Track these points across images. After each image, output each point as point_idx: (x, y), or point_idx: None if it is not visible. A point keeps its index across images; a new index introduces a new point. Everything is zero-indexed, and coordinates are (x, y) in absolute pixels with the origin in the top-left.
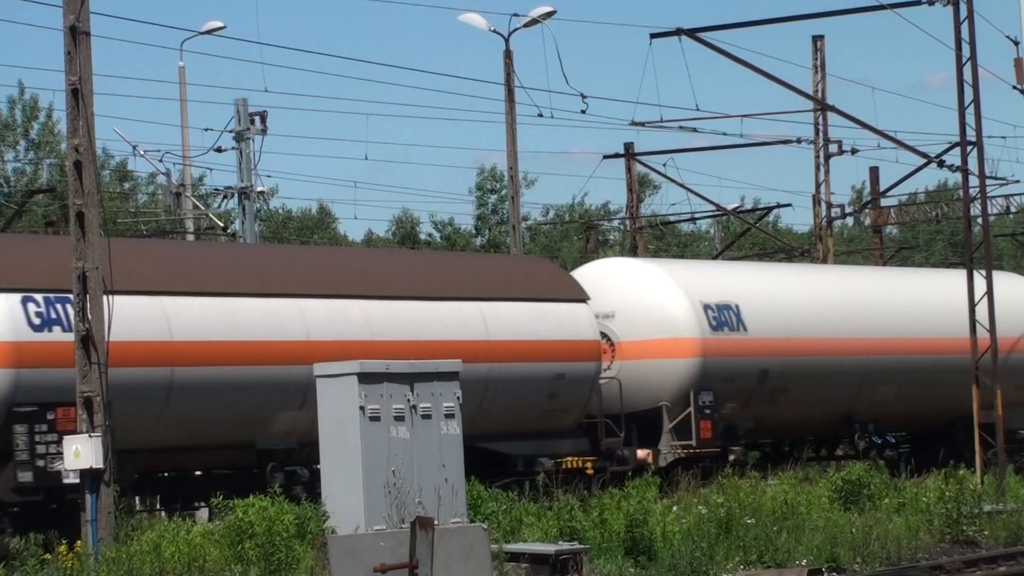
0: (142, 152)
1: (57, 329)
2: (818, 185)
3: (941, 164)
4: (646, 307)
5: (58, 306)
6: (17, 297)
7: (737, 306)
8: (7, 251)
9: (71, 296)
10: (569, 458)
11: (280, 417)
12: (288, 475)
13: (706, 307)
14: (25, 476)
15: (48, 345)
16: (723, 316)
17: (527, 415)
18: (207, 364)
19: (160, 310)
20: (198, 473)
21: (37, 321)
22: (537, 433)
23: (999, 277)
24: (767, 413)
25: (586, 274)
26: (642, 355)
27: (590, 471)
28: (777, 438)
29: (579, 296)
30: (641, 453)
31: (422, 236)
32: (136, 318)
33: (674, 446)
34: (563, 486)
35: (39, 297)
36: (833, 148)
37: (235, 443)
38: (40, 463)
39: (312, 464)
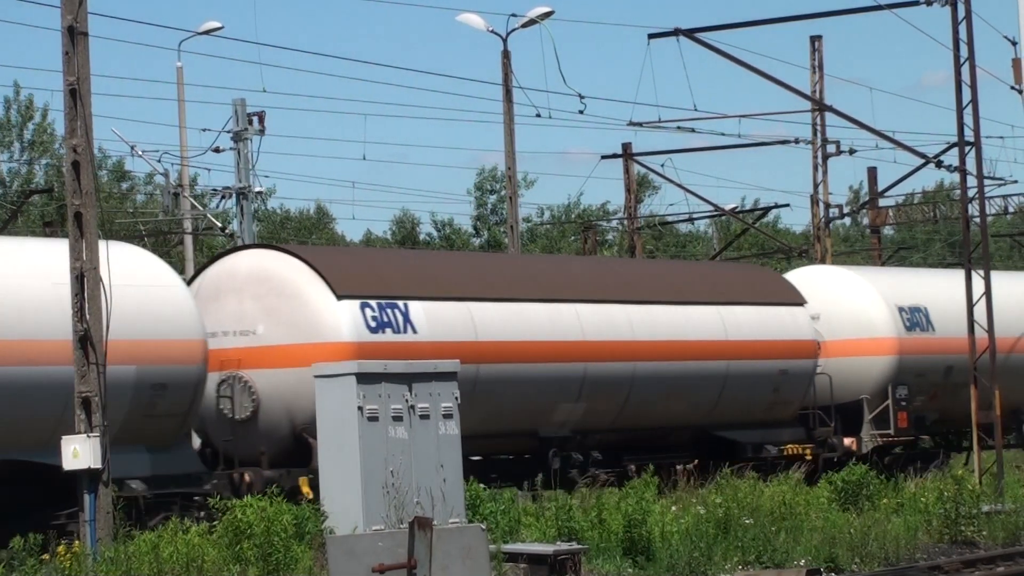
0: (140, 152)
1: (388, 331)
2: (816, 185)
3: (939, 164)
4: (849, 310)
5: (388, 311)
6: (357, 303)
7: (926, 308)
8: (348, 264)
9: (397, 302)
10: (790, 445)
11: (560, 408)
12: (564, 459)
13: (900, 310)
14: None
15: (380, 345)
16: (915, 317)
17: (755, 407)
18: (504, 361)
19: (468, 314)
20: (475, 458)
21: (373, 324)
22: (763, 423)
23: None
24: (951, 406)
25: (792, 280)
26: (845, 353)
27: (808, 456)
28: (955, 429)
29: (797, 300)
30: (847, 441)
31: (421, 236)
32: (449, 322)
33: (874, 435)
34: (784, 470)
35: (374, 303)
36: (831, 148)
37: (521, 431)
38: None
39: (586, 450)
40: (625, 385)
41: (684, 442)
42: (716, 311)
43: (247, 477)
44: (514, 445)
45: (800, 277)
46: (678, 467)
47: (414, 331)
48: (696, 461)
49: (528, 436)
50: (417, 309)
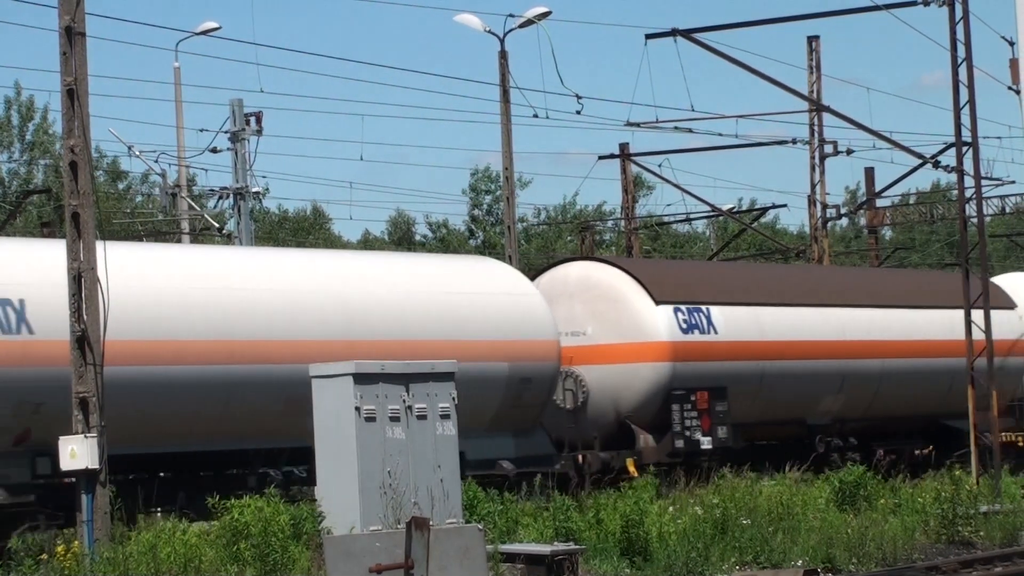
0: (137, 152)
1: (696, 332)
2: (813, 186)
3: (936, 165)
4: None
5: (695, 315)
6: (671, 308)
7: None
8: (661, 274)
9: (701, 307)
10: (1004, 433)
11: (824, 399)
12: (827, 445)
13: None
14: (679, 443)
15: (690, 344)
16: None
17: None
18: (784, 358)
19: (755, 317)
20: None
21: (684, 326)
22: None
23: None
24: None
25: (1000, 284)
26: None
27: (1021, 444)
28: None
29: (1008, 304)
30: None
31: (416, 237)
32: (742, 324)
33: None
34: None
35: (684, 308)
36: (828, 149)
37: (792, 420)
38: (687, 433)
39: (844, 436)
40: (875, 379)
41: (918, 430)
42: (947, 315)
43: (587, 458)
44: (785, 432)
45: (1004, 282)
46: (916, 452)
47: (715, 332)
48: (931, 448)
49: (797, 424)
50: (717, 313)
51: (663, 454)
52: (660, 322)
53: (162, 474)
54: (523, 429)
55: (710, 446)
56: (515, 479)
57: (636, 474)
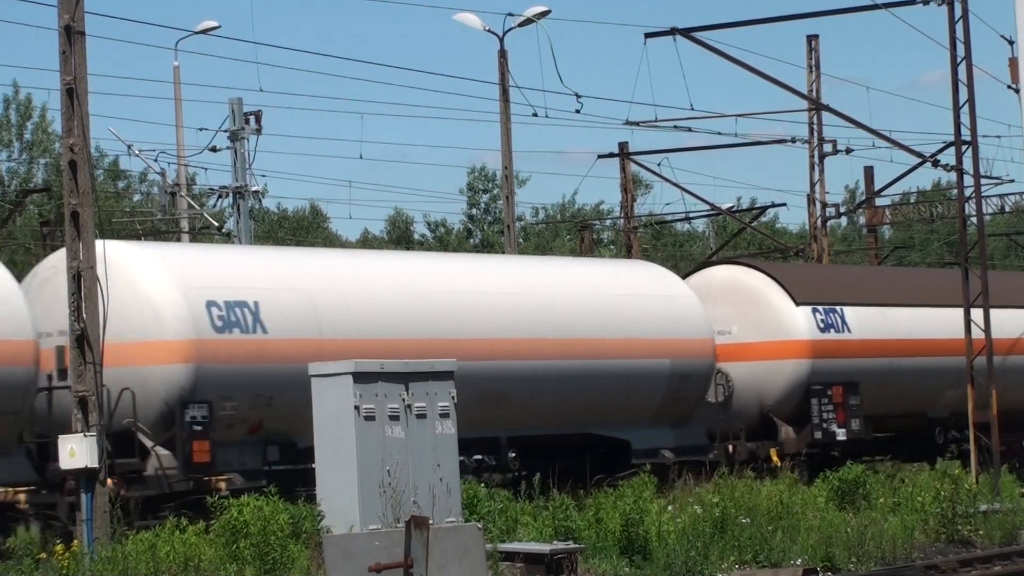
0: (137, 152)
1: (832, 331)
2: (813, 185)
3: (936, 164)
4: None
5: (830, 315)
6: (810, 309)
7: None
8: (799, 277)
9: (836, 308)
10: None
11: (944, 394)
12: (944, 436)
13: None
14: (817, 435)
15: (827, 342)
16: None
17: None
18: (910, 355)
19: (883, 317)
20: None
21: (822, 325)
22: None
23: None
24: None
25: None
26: None
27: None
28: None
29: None
30: None
31: (415, 236)
32: (872, 323)
33: None
34: None
35: (821, 308)
36: (828, 148)
37: (914, 413)
38: (824, 425)
39: (960, 429)
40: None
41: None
42: None
43: (736, 448)
44: (907, 424)
45: None
46: None
47: (849, 331)
48: None
49: (918, 417)
50: (850, 313)
51: (803, 445)
52: (801, 322)
53: None
54: (681, 421)
55: (845, 437)
56: (675, 466)
57: (779, 463)
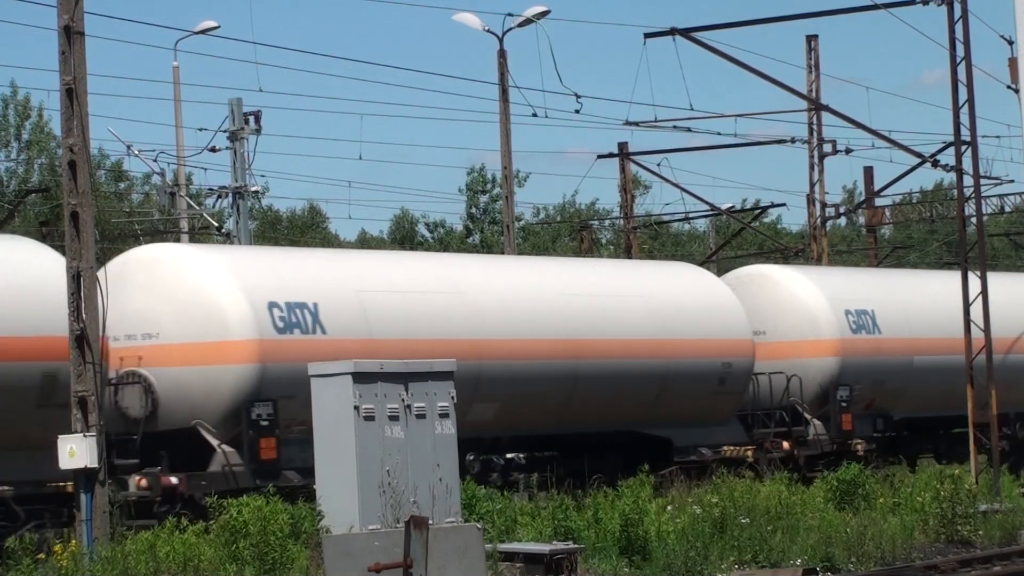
0: (136, 152)
1: (863, 332)
2: (812, 185)
3: (935, 164)
4: None
5: (862, 317)
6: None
7: None
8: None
9: (867, 311)
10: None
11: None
12: None
13: None
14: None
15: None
16: None
17: None
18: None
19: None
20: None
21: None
22: None
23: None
24: None
25: None
26: None
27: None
28: None
29: None
30: None
31: (416, 237)
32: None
33: None
34: None
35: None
36: (827, 148)
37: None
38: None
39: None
40: None
41: None
42: None
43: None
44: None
45: None
46: None
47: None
48: None
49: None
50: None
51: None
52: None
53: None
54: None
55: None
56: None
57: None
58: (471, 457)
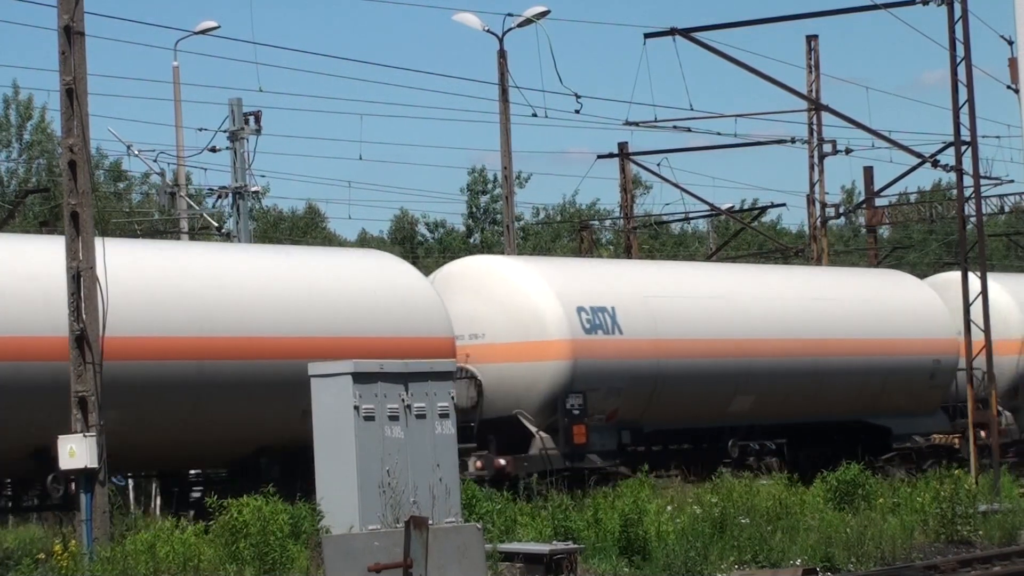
0: (136, 152)
1: None
2: (812, 185)
3: (935, 164)
4: None
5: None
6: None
7: None
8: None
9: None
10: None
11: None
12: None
13: None
14: None
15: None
16: None
17: None
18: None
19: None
20: None
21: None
22: None
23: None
24: None
25: None
26: None
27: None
28: None
29: None
30: None
31: (417, 238)
32: None
33: None
34: None
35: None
36: (827, 148)
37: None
38: None
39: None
40: None
41: None
42: None
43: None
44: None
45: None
46: None
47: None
48: None
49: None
50: None
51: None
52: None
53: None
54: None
55: None
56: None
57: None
58: (730, 443)
